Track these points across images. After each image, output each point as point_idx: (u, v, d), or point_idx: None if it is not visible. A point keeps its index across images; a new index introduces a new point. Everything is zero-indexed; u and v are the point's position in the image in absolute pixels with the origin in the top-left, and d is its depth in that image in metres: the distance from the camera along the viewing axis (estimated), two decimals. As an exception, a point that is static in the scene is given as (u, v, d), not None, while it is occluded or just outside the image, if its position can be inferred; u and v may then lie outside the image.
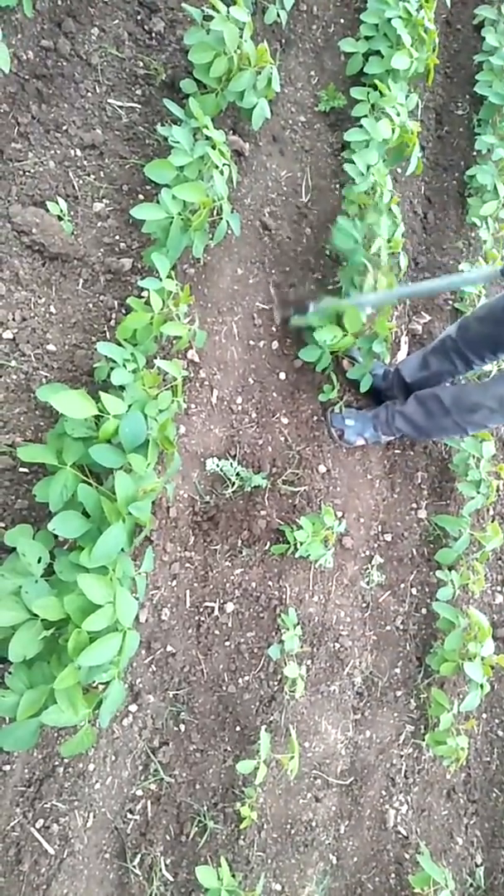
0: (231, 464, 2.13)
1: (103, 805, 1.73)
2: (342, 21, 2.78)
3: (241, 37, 2.00)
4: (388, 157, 2.42)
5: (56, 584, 1.46)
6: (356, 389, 2.39)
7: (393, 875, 2.18)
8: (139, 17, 2.24)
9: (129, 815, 1.77)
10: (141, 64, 2.22)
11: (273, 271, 2.39)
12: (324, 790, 2.10)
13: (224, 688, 2.00)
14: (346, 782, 2.16)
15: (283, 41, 2.60)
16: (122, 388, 1.66)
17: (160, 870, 1.77)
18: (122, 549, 1.48)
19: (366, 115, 2.31)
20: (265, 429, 2.25)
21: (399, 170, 2.76)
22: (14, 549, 1.45)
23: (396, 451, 2.60)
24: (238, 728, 1.98)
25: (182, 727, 1.91)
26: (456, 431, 2.24)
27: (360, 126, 2.24)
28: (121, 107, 2.16)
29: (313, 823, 2.05)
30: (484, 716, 2.56)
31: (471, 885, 2.36)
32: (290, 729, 1.98)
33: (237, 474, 2.12)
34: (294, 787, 2.05)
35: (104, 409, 1.52)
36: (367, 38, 2.51)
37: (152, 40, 2.25)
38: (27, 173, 1.94)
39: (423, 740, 2.31)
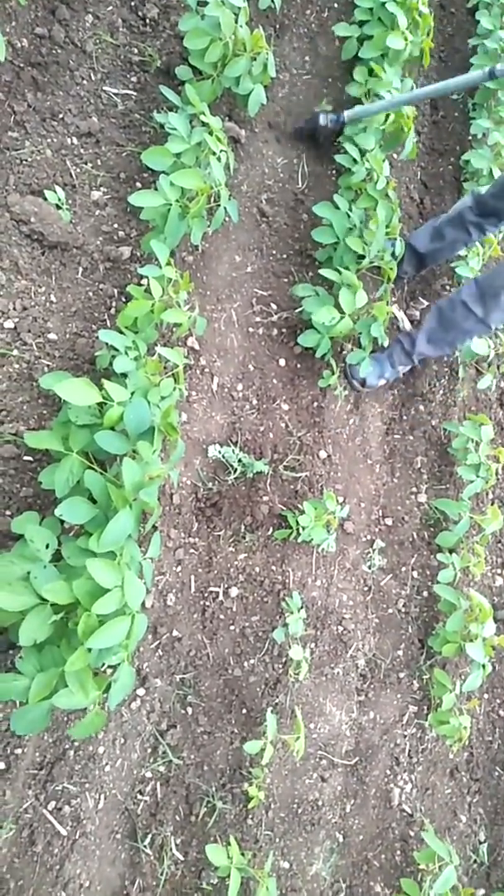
0: (233, 450, 2.14)
1: (114, 787, 1.76)
2: (336, 5, 2.77)
3: (236, 22, 2.00)
4: (384, 142, 2.42)
5: (64, 570, 1.47)
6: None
7: (398, 852, 2.22)
8: (133, 4, 2.23)
9: (140, 797, 1.80)
10: (136, 51, 2.21)
11: (271, 258, 2.39)
12: (329, 770, 2.13)
13: (230, 671, 2.02)
14: (351, 762, 2.19)
15: (278, 26, 2.59)
16: (124, 375, 1.67)
17: (171, 849, 1.79)
18: (130, 535, 1.50)
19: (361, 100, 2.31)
20: (266, 415, 2.26)
21: (395, 155, 2.76)
22: (21, 536, 1.46)
23: (396, 437, 2.61)
24: (244, 710, 2.01)
25: (189, 710, 1.93)
26: (480, 329, 2.35)
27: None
28: (116, 94, 2.15)
29: (319, 802, 2.08)
30: (486, 696, 2.60)
31: (474, 861, 2.40)
32: (296, 710, 2.00)
33: (239, 461, 2.13)
34: (300, 767, 2.08)
35: (108, 397, 1.53)
36: (361, 22, 2.51)
37: (146, 27, 2.24)
38: (24, 162, 1.94)
39: (426, 720, 2.35)
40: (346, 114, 2.35)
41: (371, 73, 2.36)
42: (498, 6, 3.08)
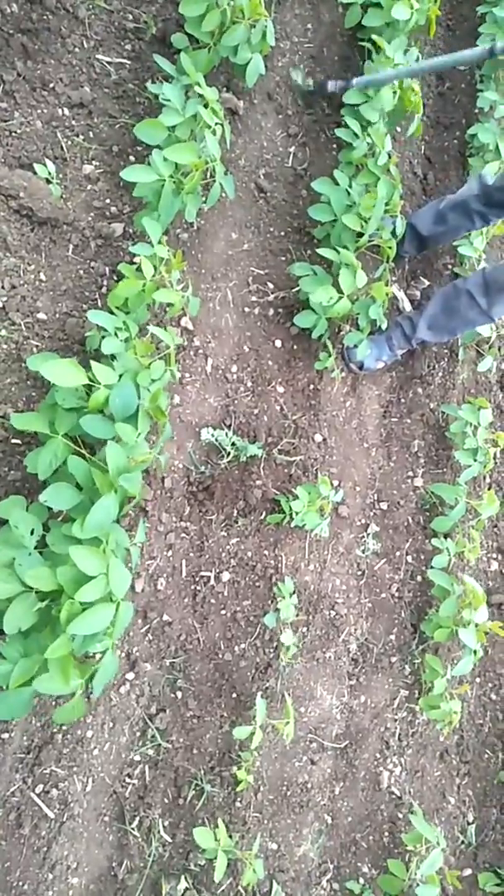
0: (226, 433, 2.11)
1: (102, 770, 1.76)
2: (339, -30, 2.66)
3: (234, -13, 1.92)
4: (387, 117, 2.34)
5: (49, 556, 1.45)
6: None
7: (387, 833, 2.23)
8: (127, -33, 2.14)
9: (128, 780, 1.80)
10: (130, 17, 2.12)
11: (268, 235, 2.33)
12: (319, 753, 2.14)
13: (220, 655, 2.01)
14: (341, 745, 2.20)
15: (278, -8, 2.49)
16: (113, 357, 1.63)
17: (158, 832, 1.81)
18: (116, 520, 1.48)
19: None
20: (261, 398, 2.23)
21: (398, 129, 2.68)
22: (7, 521, 1.44)
23: (393, 420, 2.58)
24: (234, 695, 2.01)
25: (179, 694, 1.93)
26: (483, 320, 2.32)
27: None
28: (109, 63, 2.08)
29: (309, 785, 2.09)
30: (477, 680, 2.60)
31: (462, 842, 2.43)
32: (286, 695, 2.00)
33: (232, 444, 2.10)
34: (290, 750, 2.09)
35: (94, 379, 1.49)
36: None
37: (141, -9, 2.16)
38: (13, 134, 1.87)
39: (417, 704, 2.35)
40: (355, 82, 2.27)
41: (375, 45, 2.27)
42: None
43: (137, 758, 1.83)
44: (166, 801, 1.85)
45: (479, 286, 2.27)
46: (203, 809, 1.89)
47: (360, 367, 2.39)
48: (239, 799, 1.95)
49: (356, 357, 2.34)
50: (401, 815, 2.27)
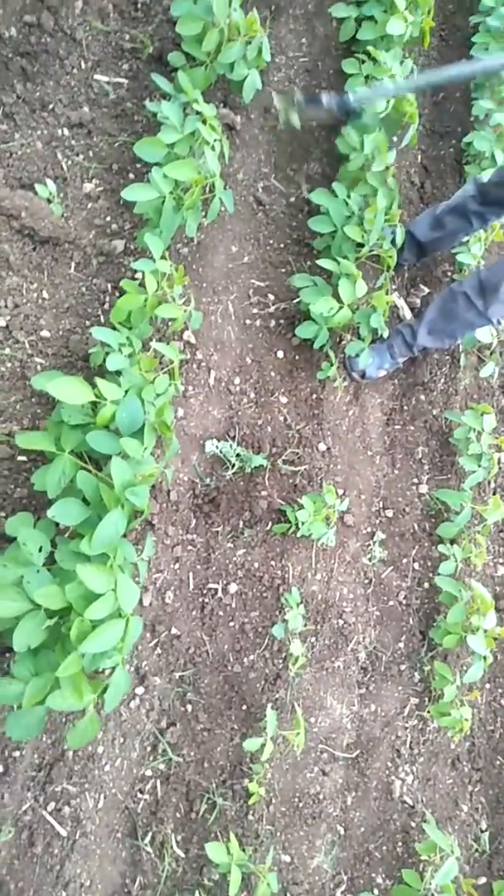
0: (230, 445, 2.12)
1: (113, 786, 1.76)
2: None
3: (230, 6, 1.94)
4: (382, 126, 2.36)
5: (58, 573, 1.46)
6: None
7: (400, 843, 2.22)
8: (123, -13, 2.17)
9: (140, 795, 1.80)
10: (127, 37, 2.15)
11: (268, 248, 2.35)
12: (330, 763, 2.13)
13: (229, 667, 2.01)
14: (353, 755, 2.19)
15: (273, 8, 2.52)
16: (118, 373, 1.65)
17: (171, 847, 1.80)
18: (123, 535, 1.48)
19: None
20: (264, 409, 2.24)
21: (394, 139, 2.70)
22: (15, 538, 1.45)
23: (397, 427, 2.58)
24: (244, 706, 2.01)
25: (189, 707, 1.93)
26: (480, 322, 2.32)
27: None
28: (108, 83, 2.10)
29: (321, 796, 2.08)
30: (487, 686, 2.59)
31: (476, 850, 2.41)
32: (296, 706, 2.00)
33: (237, 455, 2.11)
34: (301, 761, 2.08)
35: (101, 395, 1.51)
36: (359, 2, 2.44)
37: (138, 12, 2.19)
38: (14, 155, 1.90)
39: (428, 712, 2.34)
40: (352, 97, 2.24)
41: (370, 56, 2.29)
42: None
43: (149, 773, 1.83)
44: (178, 815, 1.85)
45: (475, 288, 2.28)
46: (216, 823, 1.88)
47: (363, 376, 2.40)
48: (251, 812, 1.95)
49: (358, 366, 2.35)
50: (414, 825, 2.25)
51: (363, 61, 2.33)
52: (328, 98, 2.15)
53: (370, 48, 2.28)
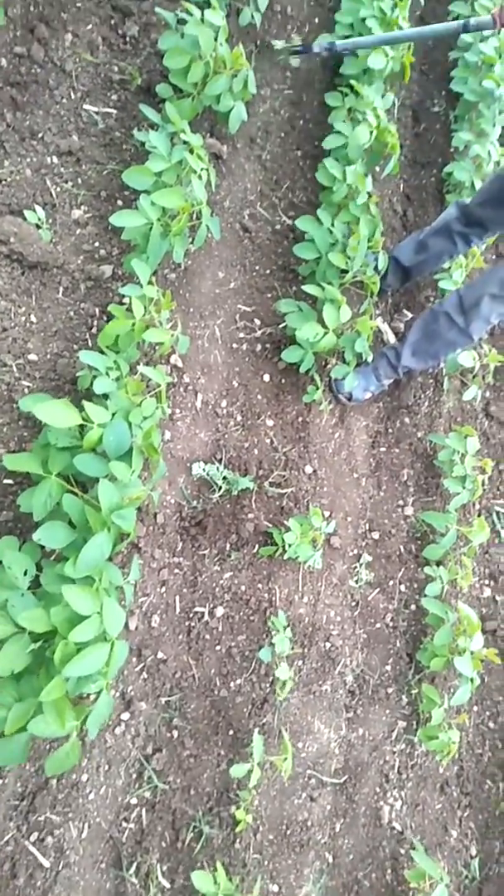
0: (217, 467, 2.13)
1: (98, 815, 1.73)
2: (316, 20, 2.77)
3: (216, 40, 2.00)
4: (365, 157, 2.42)
5: (43, 596, 1.45)
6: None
7: (389, 871, 2.19)
8: (112, 22, 2.23)
9: (125, 824, 1.77)
10: (116, 69, 2.20)
11: (254, 273, 2.39)
12: (318, 789, 2.11)
13: (216, 692, 2.00)
14: (341, 781, 2.17)
15: (258, 42, 2.59)
16: (105, 396, 1.66)
17: (157, 877, 1.77)
18: (109, 558, 1.48)
19: (341, 123, 2.31)
20: (251, 431, 2.25)
21: (377, 168, 2.76)
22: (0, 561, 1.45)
23: (382, 450, 2.61)
24: (231, 732, 1.99)
25: (175, 733, 1.91)
26: (462, 340, 2.35)
27: (339, 132, 2.25)
28: (97, 112, 2.15)
29: (309, 823, 2.06)
30: (475, 708, 2.58)
31: (466, 876, 2.38)
32: (283, 730, 1.99)
33: (224, 478, 2.12)
34: (288, 787, 2.06)
35: (88, 418, 1.51)
36: (342, 38, 2.51)
37: (126, 45, 2.24)
38: (3, 182, 1.92)
39: (416, 736, 2.33)
40: (338, 44, 2.40)
41: (352, 89, 2.36)
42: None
43: (134, 801, 1.80)
44: (164, 844, 1.82)
45: (455, 306, 2.32)
46: (202, 852, 1.85)
47: (349, 398, 2.43)
48: (238, 840, 1.92)
49: (344, 388, 2.38)
50: (403, 851, 2.23)
51: (346, 94, 2.40)
52: (319, 46, 2.44)
53: (353, 82, 2.35)
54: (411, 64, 2.68)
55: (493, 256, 3.24)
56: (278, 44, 2.57)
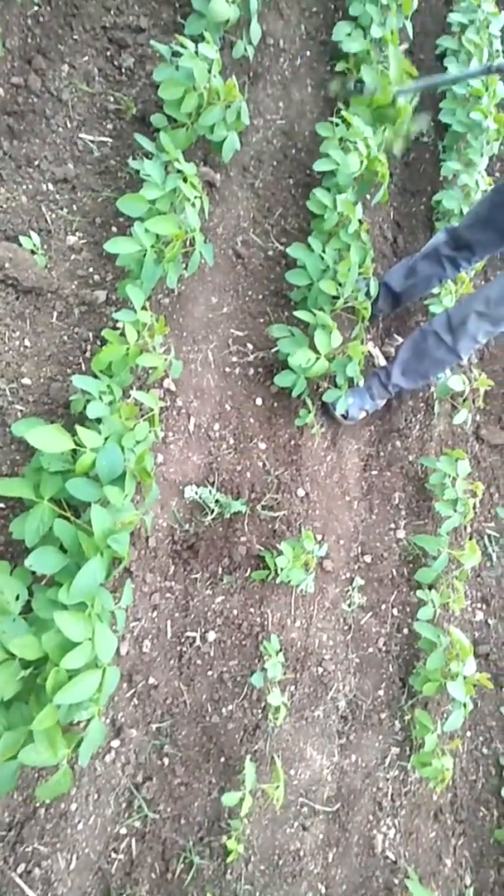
0: (210, 491, 2.13)
1: (87, 846, 1.70)
2: (309, 53, 2.84)
3: (209, 72, 2.04)
4: (356, 185, 2.47)
5: (34, 622, 1.44)
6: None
7: (383, 902, 2.16)
8: (109, 54, 2.27)
9: (114, 855, 1.74)
10: (111, 99, 2.25)
11: (247, 299, 2.41)
12: (311, 818, 2.09)
13: (207, 718, 1.98)
14: (333, 809, 2.15)
15: (251, 74, 2.65)
16: (98, 420, 1.66)
17: (146, 909, 1.74)
18: (101, 584, 1.48)
19: (333, 151, 2.35)
20: (243, 455, 2.26)
21: (368, 196, 2.82)
22: (-9, 587, 1.44)
23: (374, 473, 2.62)
24: (223, 759, 1.97)
25: (166, 761, 1.89)
26: (450, 358, 2.38)
27: (328, 156, 2.29)
28: (92, 141, 2.18)
29: (301, 853, 2.03)
30: (468, 734, 2.57)
31: (461, 907, 2.35)
32: (275, 757, 1.97)
33: (216, 501, 2.12)
34: (280, 816, 2.03)
35: (81, 443, 1.52)
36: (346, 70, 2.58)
37: (122, 75, 2.29)
38: (-1, 208, 1.95)
39: (409, 762, 2.31)
40: (396, 88, 2.48)
41: (343, 120, 2.41)
42: (465, 53, 3.19)
43: (123, 830, 1.77)
44: (154, 876, 1.78)
45: (443, 324, 2.36)
46: (192, 884, 1.82)
47: (345, 417, 2.45)
48: (229, 870, 1.89)
49: (340, 407, 2.40)
50: (397, 881, 2.20)
51: (337, 125, 2.45)
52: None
53: (344, 113, 2.40)
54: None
55: (482, 282, 3.29)
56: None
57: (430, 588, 2.47)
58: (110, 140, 2.22)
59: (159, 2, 2.41)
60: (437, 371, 2.52)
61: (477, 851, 2.45)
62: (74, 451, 1.55)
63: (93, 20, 2.25)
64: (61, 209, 2.07)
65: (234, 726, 2.01)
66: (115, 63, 2.28)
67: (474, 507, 2.62)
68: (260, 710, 2.05)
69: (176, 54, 2.03)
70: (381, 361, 2.73)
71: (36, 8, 2.14)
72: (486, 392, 2.93)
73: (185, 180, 1.92)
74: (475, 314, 2.26)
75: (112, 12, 2.30)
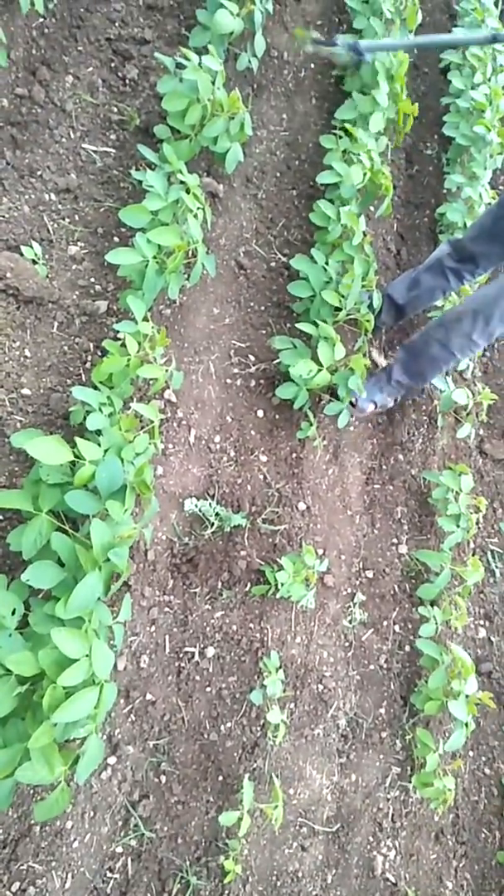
0: (210, 504, 2.11)
1: (82, 864, 1.67)
2: (312, 66, 2.85)
3: (213, 84, 2.04)
4: (359, 197, 2.46)
5: (31, 637, 1.42)
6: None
7: (383, 925, 2.12)
8: (113, 65, 2.28)
9: (109, 874, 1.70)
10: (115, 110, 2.25)
11: (249, 310, 2.40)
12: (310, 838, 2.05)
13: (206, 735, 1.95)
14: (333, 829, 2.11)
15: (255, 86, 2.65)
16: (98, 432, 1.65)
17: (141, 932, 1.70)
18: (99, 598, 1.45)
19: (336, 164, 2.35)
20: (244, 467, 2.24)
21: (371, 208, 2.81)
22: (-13, 601, 1.41)
23: (376, 487, 2.60)
24: (220, 777, 1.93)
25: (163, 778, 1.85)
26: (445, 357, 2.37)
27: (332, 168, 2.29)
28: (95, 151, 2.18)
29: (299, 874, 1.99)
30: (471, 754, 2.53)
31: (462, 931, 2.30)
32: (274, 776, 1.93)
33: (216, 514, 2.10)
34: (279, 836, 1.99)
35: (80, 455, 1.50)
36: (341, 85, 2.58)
37: (126, 87, 2.29)
38: (1, 218, 1.94)
39: (410, 782, 2.27)
40: (362, 44, 2.47)
41: (347, 133, 2.41)
42: (469, 67, 3.20)
43: (119, 849, 1.74)
44: (150, 897, 1.75)
45: (438, 321, 2.39)
46: (189, 905, 1.78)
47: (353, 405, 2.46)
48: (227, 891, 1.85)
49: (360, 401, 2.44)
50: (397, 904, 2.15)
51: (340, 137, 2.45)
52: (342, 42, 2.51)
53: (347, 125, 2.40)
54: (405, 115, 2.75)
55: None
56: (304, 33, 2.64)
57: (432, 604, 2.44)
58: (113, 151, 2.21)
59: (164, 14, 2.42)
60: (434, 370, 2.50)
61: (479, 874, 2.40)
62: (74, 463, 1.53)
63: (97, 32, 2.26)
64: (63, 219, 2.06)
65: (232, 744, 1.97)
66: (119, 74, 2.28)
67: (477, 523, 2.60)
68: (259, 728, 2.02)
69: (180, 66, 2.03)
70: (383, 363, 2.71)
71: (41, 20, 2.14)
72: (489, 406, 2.91)
73: (187, 191, 1.92)
74: (470, 311, 2.27)
75: (117, 24, 2.31)
